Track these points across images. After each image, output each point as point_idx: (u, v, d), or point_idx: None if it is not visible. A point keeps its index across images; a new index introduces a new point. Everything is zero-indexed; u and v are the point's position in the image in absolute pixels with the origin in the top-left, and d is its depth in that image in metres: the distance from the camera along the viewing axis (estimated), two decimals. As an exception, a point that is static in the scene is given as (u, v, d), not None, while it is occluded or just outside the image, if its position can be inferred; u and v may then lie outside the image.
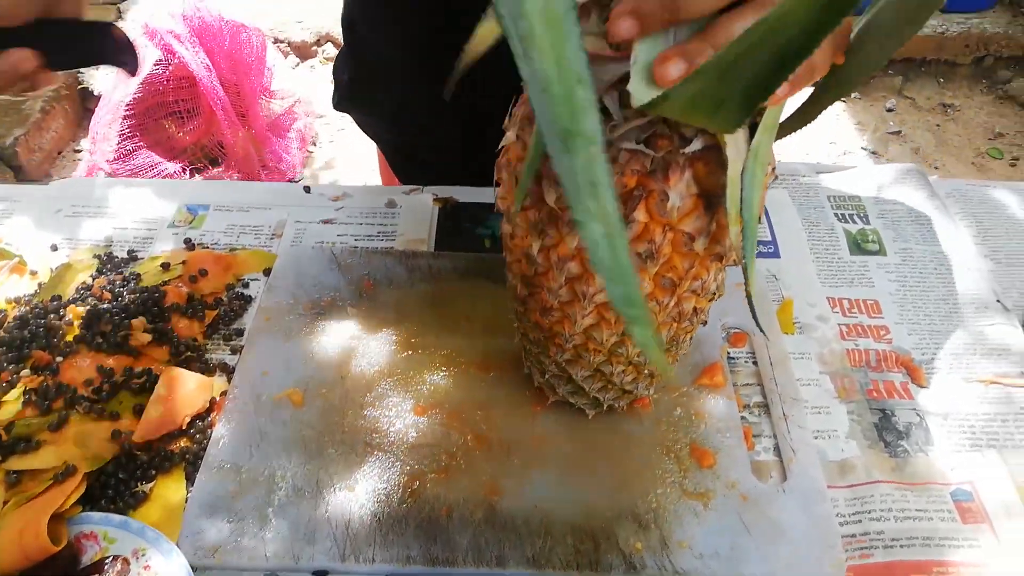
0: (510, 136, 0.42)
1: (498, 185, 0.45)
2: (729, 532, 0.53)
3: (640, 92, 0.33)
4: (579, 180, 0.29)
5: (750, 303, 0.44)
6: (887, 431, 0.59)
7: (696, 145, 0.38)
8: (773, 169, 0.46)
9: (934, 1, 0.30)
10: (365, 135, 0.96)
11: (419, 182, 0.82)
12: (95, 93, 2.33)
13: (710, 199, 0.40)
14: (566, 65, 0.28)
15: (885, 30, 0.33)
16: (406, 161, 0.96)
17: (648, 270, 0.42)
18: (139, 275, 0.68)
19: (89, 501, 0.55)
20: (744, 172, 0.36)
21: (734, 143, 0.35)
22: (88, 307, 0.64)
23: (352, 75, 0.87)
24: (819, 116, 0.38)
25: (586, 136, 0.29)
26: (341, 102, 0.91)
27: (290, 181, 2.22)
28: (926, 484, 0.56)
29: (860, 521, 0.54)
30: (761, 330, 0.62)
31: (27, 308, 0.64)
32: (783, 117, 0.39)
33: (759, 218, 0.39)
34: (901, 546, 0.53)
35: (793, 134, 0.41)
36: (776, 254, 0.72)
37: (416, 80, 0.79)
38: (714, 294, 0.49)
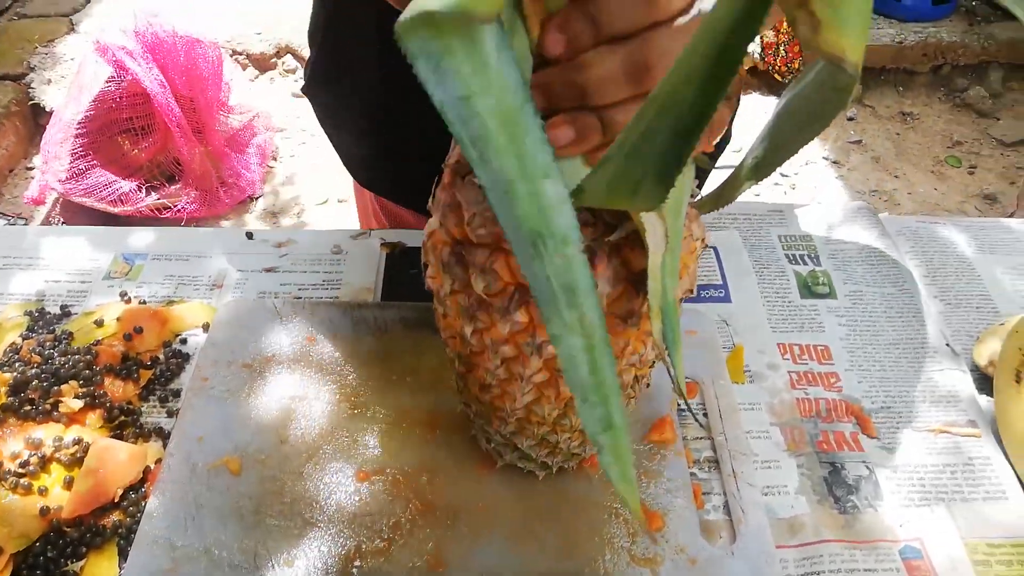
0: (433, 222, 0.41)
1: (427, 267, 0.43)
2: (678, 599, 0.52)
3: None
4: (555, 287, 0.26)
5: (683, 396, 0.44)
6: (837, 486, 0.59)
7: (620, 232, 0.37)
8: (703, 240, 0.45)
9: (838, 101, 0.29)
10: (333, 146, 0.88)
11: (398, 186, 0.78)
12: (47, 109, 2.28)
13: (639, 282, 0.39)
14: (529, 161, 0.25)
15: (796, 121, 0.33)
16: (385, 160, 0.86)
17: None
18: (71, 333, 0.65)
19: (14, 583, 0.53)
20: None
21: (653, 231, 0.34)
22: (16, 372, 0.61)
23: (330, 45, 0.77)
24: (736, 198, 0.37)
25: (559, 236, 0.26)
26: (314, 81, 0.81)
27: (250, 198, 2.18)
28: (875, 542, 0.55)
29: (809, 582, 0.54)
30: (697, 420, 0.62)
31: (-50, 375, 0.62)
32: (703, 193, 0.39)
33: (679, 301, 0.38)
34: (850, 607, 0.53)
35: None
36: (727, 298, 0.72)
37: None
38: (654, 361, 0.49)
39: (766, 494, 0.58)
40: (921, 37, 2.51)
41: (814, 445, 0.61)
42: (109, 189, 1.98)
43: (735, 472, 0.58)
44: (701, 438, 0.62)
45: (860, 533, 0.56)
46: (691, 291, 0.45)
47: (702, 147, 0.35)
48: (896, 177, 2.25)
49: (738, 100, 0.34)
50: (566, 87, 0.33)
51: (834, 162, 2.30)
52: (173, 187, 2.07)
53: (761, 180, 0.37)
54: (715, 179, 0.47)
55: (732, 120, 0.78)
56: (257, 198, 2.19)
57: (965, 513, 0.56)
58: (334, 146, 0.89)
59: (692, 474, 0.59)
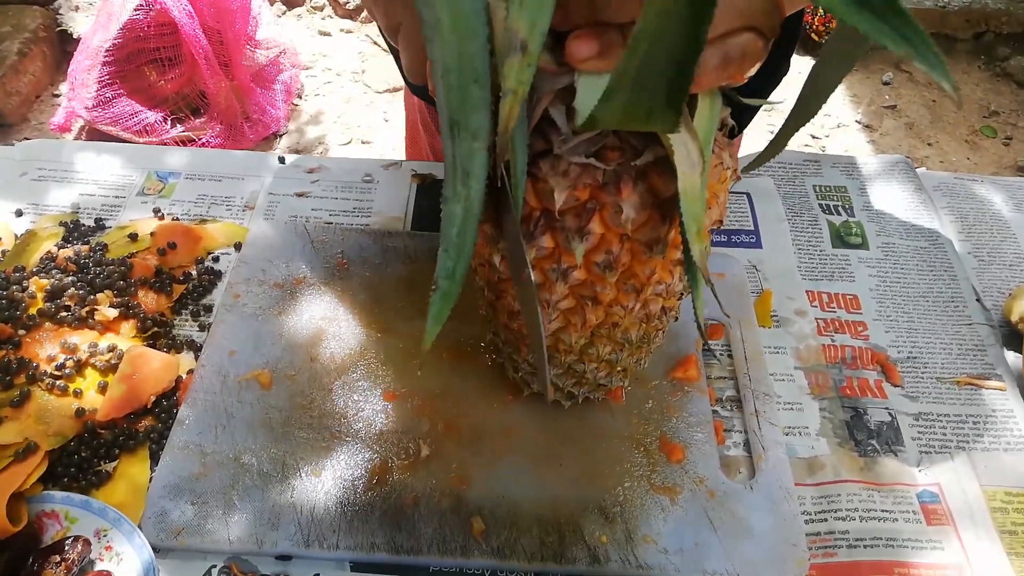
0: None
1: None
2: (695, 528, 0.53)
3: (583, 108, 0.33)
4: (456, 165, 0.32)
5: (700, 329, 0.44)
6: (858, 430, 0.59)
7: (647, 157, 0.37)
8: (735, 170, 0.44)
9: (864, 44, 0.31)
10: (394, 56, 0.87)
11: None
12: (74, 36, 2.26)
13: (665, 208, 0.39)
14: (466, 60, 0.29)
15: (833, 60, 0.33)
16: None
17: (608, 279, 0.41)
18: (106, 245, 0.66)
19: (51, 479, 0.54)
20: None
21: (683, 152, 0.34)
22: (52, 279, 0.62)
23: None
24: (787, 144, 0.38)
25: (470, 130, 0.31)
26: None
27: (274, 134, 2.18)
28: (893, 485, 0.56)
29: (826, 520, 0.54)
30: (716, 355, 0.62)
31: (-11, 278, 0.63)
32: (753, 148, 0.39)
33: (708, 231, 0.39)
34: (865, 546, 0.53)
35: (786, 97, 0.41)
36: (758, 244, 0.71)
37: None
38: (681, 293, 0.48)
39: (787, 434, 0.58)
40: (965, 3, 2.43)
41: (837, 390, 0.61)
42: (135, 119, 1.98)
43: (757, 411, 0.59)
44: (725, 378, 0.62)
45: (879, 476, 0.56)
46: (720, 222, 0.45)
47: (733, 79, 0.35)
48: (929, 145, 2.21)
49: (776, 34, 0.34)
50: (580, 2, 0.32)
51: (866, 126, 2.26)
52: (198, 120, 2.06)
53: (807, 122, 0.37)
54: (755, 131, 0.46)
55: (788, 58, 0.77)
56: (281, 135, 2.18)
57: (986, 461, 0.57)
58: (394, 56, 0.88)
59: (714, 412, 0.60)
